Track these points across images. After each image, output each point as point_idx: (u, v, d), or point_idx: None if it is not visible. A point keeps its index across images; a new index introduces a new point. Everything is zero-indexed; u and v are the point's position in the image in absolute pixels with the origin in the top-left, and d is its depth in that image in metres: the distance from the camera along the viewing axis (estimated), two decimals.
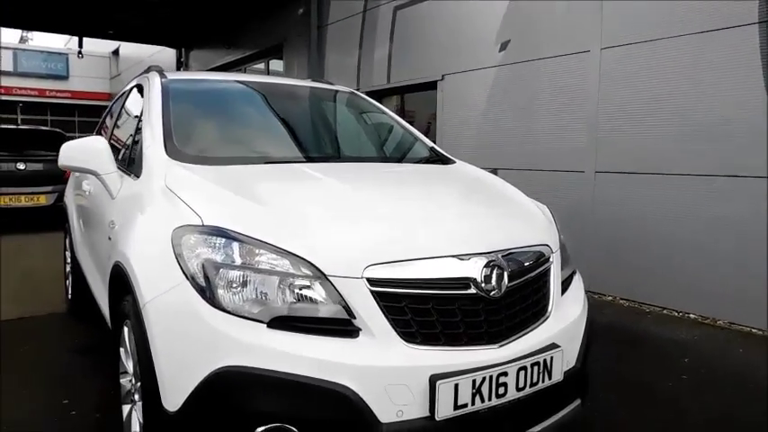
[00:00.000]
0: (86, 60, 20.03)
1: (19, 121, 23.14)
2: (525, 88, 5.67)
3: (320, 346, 1.67)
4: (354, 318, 1.72)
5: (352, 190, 2.27)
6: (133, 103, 3.24)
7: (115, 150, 3.01)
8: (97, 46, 21.28)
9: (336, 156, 2.97)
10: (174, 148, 2.44)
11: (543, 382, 1.94)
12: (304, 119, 3.21)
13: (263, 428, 1.63)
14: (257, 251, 1.77)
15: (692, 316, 4.42)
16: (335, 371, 1.64)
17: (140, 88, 3.17)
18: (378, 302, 1.73)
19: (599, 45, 4.98)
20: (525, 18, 5.67)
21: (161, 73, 3.09)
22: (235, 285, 1.73)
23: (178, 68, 14.81)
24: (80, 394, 2.96)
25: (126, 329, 2.19)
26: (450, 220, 2.08)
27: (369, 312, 1.72)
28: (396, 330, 1.73)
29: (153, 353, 1.81)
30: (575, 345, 2.16)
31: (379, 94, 7.94)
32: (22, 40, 31.86)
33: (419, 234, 1.92)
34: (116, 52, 22.23)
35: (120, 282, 2.17)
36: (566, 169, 5.32)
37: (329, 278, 1.73)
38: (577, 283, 2.43)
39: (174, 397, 1.74)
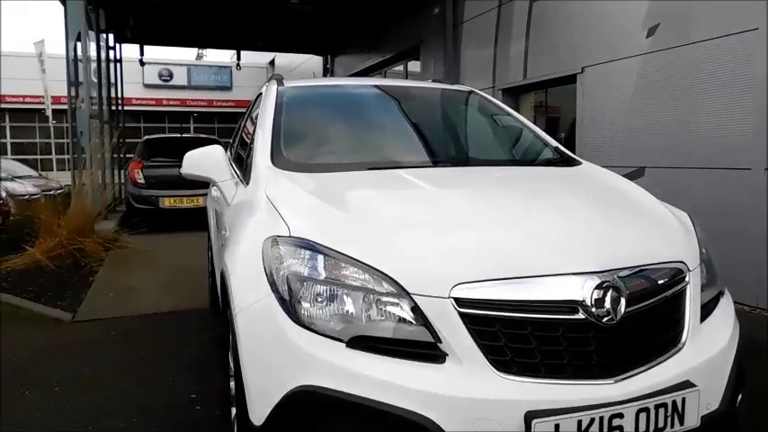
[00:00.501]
0: (246, 71, 21.73)
1: (192, 130, 25.77)
2: (677, 77, 5.04)
3: (401, 371, 1.54)
4: (440, 341, 1.56)
5: (452, 199, 2.10)
6: (255, 112, 3.34)
7: (239, 158, 3.12)
8: (256, 58, 23.01)
9: (446, 160, 2.79)
10: (280, 156, 2.45)
11: (672, 427, 1.63)
12: (419, 122, 3.08)
13: None
14: (342, 265, 1.68)
15: None
16: (416, 399, 1.50)
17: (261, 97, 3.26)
18: (467, 325, 1.56)
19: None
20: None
21: (279, 81, 3.15)
22: (317, 300, 1.66)
23: (324, 75, 15.46)
24: (206, 389, 3.12)
25: (231, 338, 2.23)
26: (559, 232, 1.82)
27: (456, 336, 1.56)
28: (487, 357, 1.55)
29: (241, 363, 1.80)
30: (718, 383, 1.80)
31: (516, 91, 7.60)
32: (198, 56, 35.45)
33: (518, 248, 1.71)
34: (272, 62, 23.86)
35: (226, 288, 2.21)
36: (727, 167, 4.63)
37: (413, 297, 1.59)
38: (725, 307, 2.04)
39: (258, 411, 1.71)
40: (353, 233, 1.78)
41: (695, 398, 1.66)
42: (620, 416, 1.55)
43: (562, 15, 6.51)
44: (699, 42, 4.82)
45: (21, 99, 22.50)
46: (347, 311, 1.63)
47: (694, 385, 1.66)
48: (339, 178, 2.27)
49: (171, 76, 25.55)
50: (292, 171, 2.33)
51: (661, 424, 1.61)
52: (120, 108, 12.98)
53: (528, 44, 7.12)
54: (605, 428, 1.54)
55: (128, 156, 11.59)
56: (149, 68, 22.27)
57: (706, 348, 1.81)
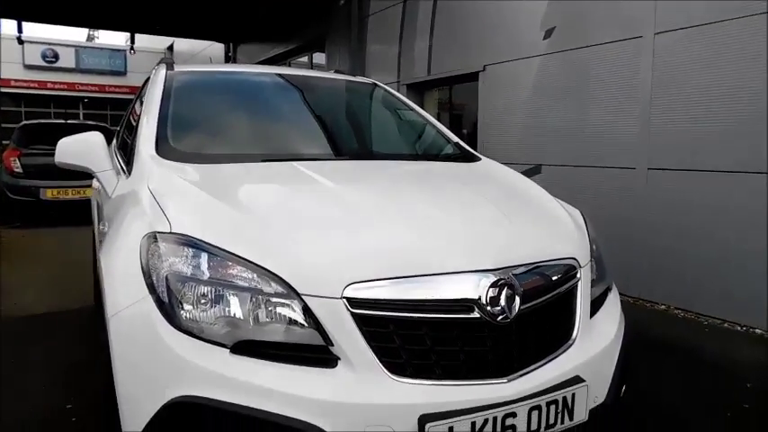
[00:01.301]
0: (143, 56, 20.53)
1: (81, 116, 23.99)
2: (572, 78, 5.26)
3: (290, 377, 1.44)
4: (332, 345, 1.48)
5: (348, 194, 2.01)
6: (141, 98, 3.09)
7: (124, 146, 2.88)
8: (153, 43, 21.80)
9: (341, 152, 2.67)
10: (166, 145, 2.27)
11: (563, 423, 1.65)
12: (317, 112, 2.96)
13: None
14: (227, 264, 1.55)
15: (757, 331, 3.96)
16: (304, 407, 1.41)
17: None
18: (360, 327, 1.48)
19: (652, 30, 4.53)
20: (572, 2, 5.26)
21: (169, 65, 2.93)
22: (199, 302, 1.53)
23: (226, 62, 14.91)
24: (85, 396, 2.86)
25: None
26: (453, 230, 1.78)
27: (349, 339, 1.48)
28: (380, 360, 1.48)
29: (114, 372, 1.63)
30: (604, 377, 1.85)
31: (420, 87, 7.66)
32: (90, 38, 33.15)
33: (414, 246, 1.65)
34: (171, 48, 22.70)
35: (100, 290, 2.01)
36: (616, 165, 4.89)
37: (303, 297, 1.49)
38: (613, 302, 2.10)
39: (132, 423, 1.55)
40: (241, 230, 1.65)
41: (584, 393, 1.68)
42: (514, 415, 1.54)
43: (466, 13, 6.61)
44: (592, 46, 5.04)
45: None
46: (232, 314, 1.50)
47: (583, 380, 1.69)
48: (229, 170, 2.12)
49: (56, 57, 23.57)
50: (179, 162, 2.14)
51: (552, 421, 1.62)
52: None
53: (432, 40, 7.18)
54: (498, 428, 1.52)
55: (3, 142, 10.57)
56: (31, 48, 20.51)
57: (595, 343, 1.85)
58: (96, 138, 2.49)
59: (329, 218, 1.77)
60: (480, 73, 6.37)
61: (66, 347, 3.60)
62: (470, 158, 2.77)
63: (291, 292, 1.49)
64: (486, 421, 1.50)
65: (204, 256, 1.57)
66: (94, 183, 3.49)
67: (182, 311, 1.52)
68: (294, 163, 2.22)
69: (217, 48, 15.79)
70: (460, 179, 2.45)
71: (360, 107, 3.28)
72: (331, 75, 3.47)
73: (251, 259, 1.53)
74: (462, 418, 1.47)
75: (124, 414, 1.58)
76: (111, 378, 1.70)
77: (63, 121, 9.67)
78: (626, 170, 4.81)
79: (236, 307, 1.50)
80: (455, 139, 2.98)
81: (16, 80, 21.17)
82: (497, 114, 6.19)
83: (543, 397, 1.60)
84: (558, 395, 1.62)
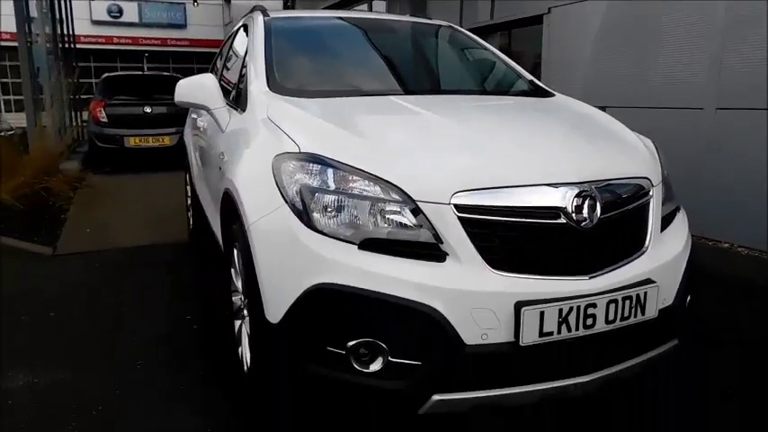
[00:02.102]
0: (202, 9, 20.94)
1: (145, 70, 24.83)
2: (639, 19, 5.25)
3: (408, 268, 1.74)
4: (442, 242, 1.77)
5: (445, 119, 2.27)
6: (239, 43, 3.39)
7: (225, 89, 3.20)
8: None
9: (434, 89, 2.96)
10: (275, 83, 2.57)
11: (635, 317, 1.90)
12: (403, 53, 3.21)
13: (353, 342, 1.75)
14: (350, 177, 1.85)
15: None
16: (423, 291, 1.71)
17: (246, 28, 3.31)
18: (465, 229, 1.76)
19: None
20: None
21: (264, 12, 3.20)
22: (329, 209, 1.83)
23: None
24: (199, 311, 3.29)
25: (235, 251, 2.39)
26: (542, 149, 2.04)
27: (456, 238, 1.76)
28: (482, 257, 1.76)
29: (257, 270, 1.97)
30: (673, 282, 2.08)
31: (483, 31, 7.67)
32: None
33: (508, 162, 1.91)
34: (228, 0, 23.03)
35: (230, 207, 2.36)
36: (683, 106, 4.93)
37: (418, 203, 1.78)
38: (681, 220, 2.31)
39: (275, 310, 1.89)
40: (358, 149, 1.94)
41: (655, 293, 1.93)
42: (594, 306, 1.81)
43: None
44: None
45: None
46: (357, 218, 1.80)
47: (654, 282, 1.93)
48: (336, 102, 2.42)
49: (121, 12, 24.33)
50: (289, 96, 2.45)
51: (626, 314, 1.88)
52: (72, 46, 12.43)
53: None
54: (581, 316, 1.79)
55: (83, 96, 11.22)
56: (97, 4, 21.19)
57: (665, 252, 2.08)
58: (209, 80, 2.82)
59: (432, 138, 2.05)
60: (545, 15, 6.39)
61: (172, 272, 4.07)
62: (546, 94, 2.97)
63: (408, 198, 1.78)
64: (570, 309, 1.77)
65: (330, 171, 1.87)
66: (197, 123, 3.85)
67: (314, 216, 1.84)
68: (392, 97, 2.49)
69: None
70: (541, 109, 2.67)
71: (441, 47, 3.50)
72: (410, 18, 3.67)
73: (371, 171, 1.82)
74: (551, 305, 1.75)
75: (267, 303, 1.93)
76: (247, 279, 2.07)
77: (141, 72, 10.19)
78: (694, 111, 4.84)
79: (360, 211, 1.81)
80: (530, 77, 3.18)
81: (85, 36, 21.99)
82: (561, 57, 6.23)
83: (619, 292, 1.85)
84: (632, 292, 1.87)
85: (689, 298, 2.24)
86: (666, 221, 2.20)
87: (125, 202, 6.47)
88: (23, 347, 2.86)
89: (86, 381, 2.54)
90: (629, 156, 2.19)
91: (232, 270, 2.54)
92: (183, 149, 4.98)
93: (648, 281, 1.93)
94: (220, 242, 2.91)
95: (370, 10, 11.51)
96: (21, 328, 3.10)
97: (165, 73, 10.95)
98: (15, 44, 7.89)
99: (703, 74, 4.72)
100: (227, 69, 3.60)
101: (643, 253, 2.01)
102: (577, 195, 1.83)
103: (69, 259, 4.43)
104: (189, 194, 4.81)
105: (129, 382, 2.53)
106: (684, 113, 4.91)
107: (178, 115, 7.76)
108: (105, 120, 8.51)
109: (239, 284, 2.43)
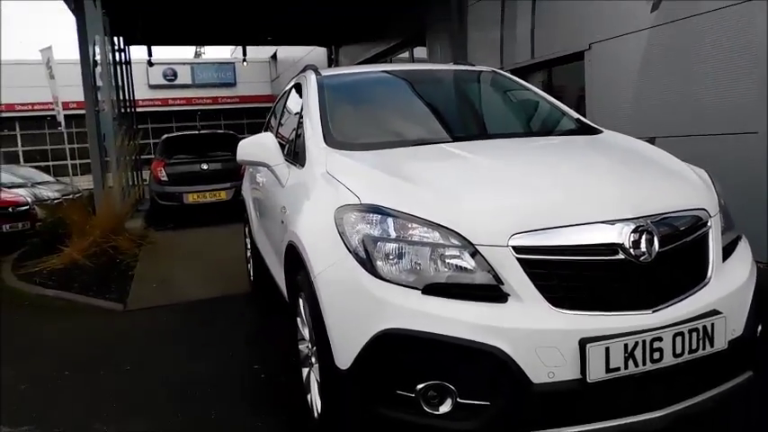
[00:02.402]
0: (250, 67, 21.94)
1: (199, 128, 26.04)
2: (682, 48, 5.24)
3: (472, 310, 1.80)
4: (502, 284, 1.82)
5: (497, 163, 2.36)
6: (293, 101, 3.60)
7: (281, 145, 3.38)
8: (257, 53, 23.20)
9: (482, 134, 3.07)
10: (331, 138, 2.71)
11: (704, 349, 1.89)
12: (449, 100, 3.34)
13: (422, 385, 1.81)
14: (410, 225, 1.94)
15: None
16: (488, 332, 1.76)
17: (298, 87, 3.51)
18: (524, 269, 1.82)
19: None
20: None
21: (316, 71, 3.40)
22: (391, 257, 1.92)
23: (329, 65, 15.67)
24: (267, 360, 3.40)
25: (301, 300, 2.49)
26: (596, 186, 2.09)
27: (516, 279, 1.82)
28: (544, 295, 1.81)
29: (325, 318, 2.07)
30: (740, 312, 2.05)
31: (524, 71, 7.78)
32: (197, 54, 35.69)
33: (563, 202, 1.96)
34: (274, 56, 24.08)
35: (294, 258, 2.48)
36: (734, 131, 4.85)
37: (477, 247, 1.85)
38: (743, 249, 2.29)
39: (344, 357, 1.97)
40: (415, 197, 2.03)
41: (722, 323, 1.91)
42: (660, 339, 1.81)
43: None
44: (702, 14, 5.01)
45: (29, 107, 22.78)
46: (419, 263, 1.88)
47: (720, 312, 1.92)
48: (390, 153, 2.53)
49: (175, 75, 25.73)
50: (346, 150, 2.59)
51: (694, 346, 1.87)
52: (132, 110, 13.24)
53: (534, 23, 7.31)
54: (647, 350, 1.80)
55: (142, 157, 11.87)
56: (153, 69, 22.48)
57: (729, 282, 2.06)
58: (269, 139, 3.00)
59: (486, 184, 2.13)
60: (586, 52, 6.45)
61: (237, 322, 4.21)
62: (593, 131, 3.02)
63: (466, 242, 1.85)
64: (636, 344, 1.78)
65: (390, 220, 1.97)
66: (256, 178, 4.05)
67: (378, 263, 1.93)
68: (442, 145, 2.60)
69: (318, 52, 16.62)
70: (591, 147, 2.72)
71: (486, 92, 3.61)
72: (453, 66, 3.81)
73: (429, 218, 1.91)
74: (617, 340, 1.77)
75: (336, 350, 2.02)
76: (316, 327, 2.16)
77: (197, 132, 10.73)
78: (746, 135, 4.76)
79: (421, 257, 1.89)
80: (576, 115, 3.24)
81: (143, 100, 23.34)
82: (605, 92, 6.25)
83: (685, 325, 1.85)
84: (699, 324, 1.87)
85: (760, 327, 2.20)
86: (728, 251, 2.19)
87: (187, 257, 6.73)
88: (103, 400, 3.02)
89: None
90: (682, 188, 2.21)
91: (298, 319, 2.64)
92: (240, 204, 5.21)
93: (714, 312, 1.92)
94: (284, 292, 3.02)
95: (412, 56, 11.83)
96: (98, 382, 3.27)
97: (220, 131, 11.52)
98: (80, 112, 8.44)
99: (753, 96, 4.65)
100: (282, 126, 3.80)
101: (706, 284, 2.00)
102: (634, 231, 1.86)
103: (140, 314, 4.64)
104: (248, 246, 5.00)
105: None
106: (736, 138, 4.83)
107: (233, 170, 8.15)
108: (166, 178, 8.96)
109: (306, 333, 2.53)
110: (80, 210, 7.59)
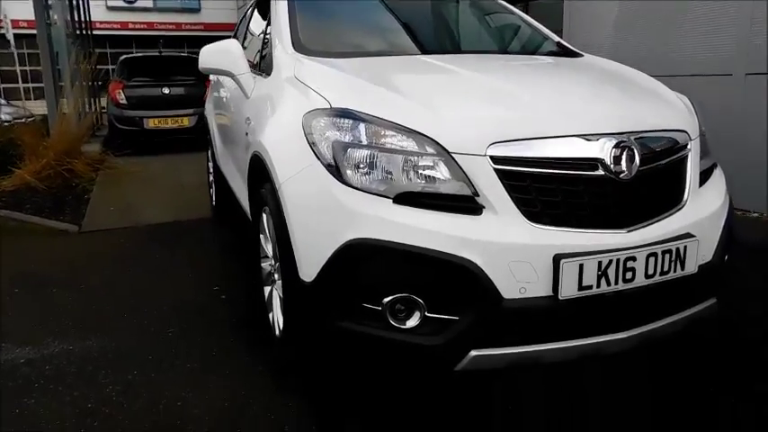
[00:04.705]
0: None
1: (160, 51, 24.92)
2: None
3: (445, 222, 1.72)
4: (478, 195, 1.74)
5: (476, 75, 2.23)
6: (261, 11, 3.36)
7: (249, 62, 3.18)
8: None
9: (456, 48, 2.92)
10: (300, 45, 2.54)
11: (675, 271, 1.86)
12: (428, 15, 3.16)
13: (390, 298, 1.73)
14: (383, 131, 1.82)
15: None
16: (460, 245, 1.68)
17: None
18: (502, 181, 1.73)
19: None
20: None
21: None
22: (362, 164, 1.81)
23: None
24: (228, 281, 3.31)
25: (264, 216, 2.38)
26: (578, 101, 1.99)
27: (493, 190, 1.73)
28: (519, 209, 1.73)
29: (289, 229, 1.96)
30: (712, 238, 2.03)
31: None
32: None
33: (545, 113, 1.87)
34: None
35: (258, 170, 2.35)
36: (711, 73, 4.81)
37: (453, 155, 1.74)
38: (718, 177, 2.26)
39: (309, 268, 1.88)
40: (389, 102, 1.91)
41: (695, 247, 1.88)
42: (633, 259, 1.77)
43: None
44: None
45: None
46: (391, 172, 1.78)
47: (694, 236, 1.89)
48: (364, 61, 2.38)
49: None
50: (315, 56, 2.43)
51: (666, 268, 1.83)
52: (89, 32, 12.46)
53: None
54: (621, 269, 1.75)
55: (100, 83, 11.27)
56: None
57: (703, 207, 2.03)
58: (234, 45, 2.80)
59: (464, 93, 2.02)
60: None
61: (197, 246, 4.09)
62: (575, 54, 2.91)
63: (442, 150, 1.75)
64: (610, 262, 1.74)
65: (362, 126, 1.84)
66: (218, 93, 3.84)
67: (347, 171, 1.82)
68: (418, 55, 2.45)
69: None
70: (572, 66, 2.61)
71: (466, 11, 3.44)
72: None
73: (405, 124, 1.79)
74: (591, 257, 1.71)
75: (301, 262, 1.92)
76: (280, 239, 2.06)
77: (159, 53, 10.20)
78: (723, 77, 4.73)
79: (394, 165, 1.78)
80: (557, 38, 3.12)
81: (101, 22, 22.05)
82: (583, 30, 6.11)
83: (659, 246, 1.81)
84: (672, 246, 1.83)
85: (726, 256, 2.19)
86: (704, 177, 2.15)
87: (147, 182, 6.51)
88: (55, 317, 2.89)
89: (120, 348, 2.56)
90: (666, 108, 2.14)
91: (261, 236, 2.53)
92: (203, 127, 4.99)
93: (688, 235, 1.89)
94: (247, 212, 2.90)
95: None
96: (52, 299, 3.13)
97: (183, 53, 10.97)
98: (33, 32, 7.91)
99: (732, 40, 4.60)
100: (251, 36, 3.57)
101: (681, 207, 1.96)
102: (616, 146, 1.79)
103: (95, 236, 4.47)
104: (211, 171, 4.82)
105: (161, 348, 2.54)
106: (714, 80, 4.80)
107: (196, 96, 7.80)
108: (125, 102, 8.54)
109: (269, 249, 2.43)
110: (33, 132, 7.24)
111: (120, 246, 4.14)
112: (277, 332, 2.31)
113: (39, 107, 13.22)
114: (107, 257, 3.87)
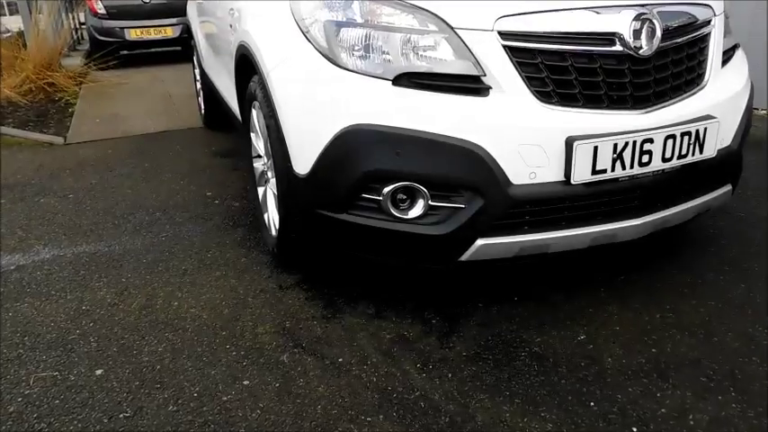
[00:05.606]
0: None
1: None
2: None
3: (448, 104, 1.59)
4: (485, 74, 1.60)
5: None
6: None
7: None
8: None
9: None
10: None
11: (693, 155, 1.76)
12: None
13: (391, 187, 1.63)
14: (379, 8, 1.65)
15: None
16: (466, 129, 1.57)
17: None
18: (510, 58, 1.59)
19: None
20: None
21: None
22: (357, 45, 1.65)
23: None
24: (221, 187, 3.21)
25: (254, 112, 2.24)
26: None
27: (501, 69, 1.59)
28: (530, 89, 1.60)
29: (281, 119, 1.83)
30: (732, 121, 1.92)
31: None
32: None
33: None
34: None
35: (246, 64, 2.18)
36: None
37: (457, 31, 1.59)
38: (740, 58, 2.12)
39: (303, 161, 1.77)
40: None
41: (715, 129, 1.77)
42: (651, 141, 1.66)
43: None
44: None
45: None
46: (390, 51, 1.63)
47: (715, 118, 1.77)
48: None
49: None
50: None
51: (684, 151, 1.73)
52: None
53: None
54: (637, 151, 1.65)
55: None
56: None
57: (725, 89, 1.90)
58: None
59: None
60: None
61: (187, 154, 3.94)
62: None
63: (446, 26, 1.59)
64: (626, 144, 1.63)
65: (356, 3, 1.67)
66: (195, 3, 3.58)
67: (341, 54, 1.66)
68: None
69: None
70: None
71: None
72: None
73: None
74: (606, 139, 1.60)
75: (294, 154, 1.80)
76: (271, 132, 1.93)
77: None
78: None
79: (393, 44, 1.62)
80: None
81: None
82: None
83: (678, 127, 1.70)
84: (692, 127, 1.72)
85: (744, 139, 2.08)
86: (726, 58, 2.00)
87: (132, 94, 6.26)
88: (44, 224, 2.80)
89: (112, 253, 2.48)
90: None
91: (252, 135, 2.40)
92: (189, 38, 4.72)
93: (709, 117, 1.77)
94: (237, 113, 2.75)
95: None
96: (40, 207, 3.03)
97: None
98: None
99: None
100: None
101: (703, 87, 1.84)
102: (636, 18, 1.63)
103: (81, 147, 4.31)
104: (198, 78, 4.59)
105: (155, 252, 2.47)
106: None
107: (179, 5, 7.35)
108: (104, 12, 8.07)
109: (261, 147, 2.30)
110: (8, 46, 6.90)
111: (107, 156, 3.99)
112: (273, 231, 2.23)
113: (15, 23, 12.59)
114: (94, 167, 3.74)
